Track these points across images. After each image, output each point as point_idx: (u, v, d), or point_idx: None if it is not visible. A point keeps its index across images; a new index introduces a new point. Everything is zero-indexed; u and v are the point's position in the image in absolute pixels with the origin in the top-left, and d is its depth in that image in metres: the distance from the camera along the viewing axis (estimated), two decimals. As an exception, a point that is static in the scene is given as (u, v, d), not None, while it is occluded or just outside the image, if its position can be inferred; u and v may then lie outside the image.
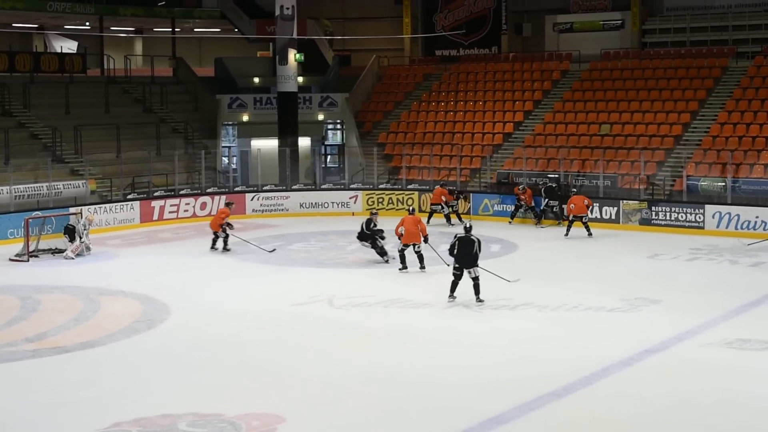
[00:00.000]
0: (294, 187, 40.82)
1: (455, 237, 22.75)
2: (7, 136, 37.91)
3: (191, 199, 38.50)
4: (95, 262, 29.50)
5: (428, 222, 34.30)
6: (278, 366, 17.94)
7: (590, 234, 33.10)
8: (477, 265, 22.62)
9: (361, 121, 47.42)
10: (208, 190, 39.74)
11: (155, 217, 37.26)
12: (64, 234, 30.59)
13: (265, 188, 40.51)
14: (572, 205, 33.35)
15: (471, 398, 15.93)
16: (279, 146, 43.10)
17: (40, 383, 17.26)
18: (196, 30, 55.36)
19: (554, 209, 36.41)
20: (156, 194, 38.29)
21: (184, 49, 52.77)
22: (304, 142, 45.53)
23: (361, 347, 19.36)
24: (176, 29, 51.79)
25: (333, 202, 39.63)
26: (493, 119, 44.50)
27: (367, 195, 40.10)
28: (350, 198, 40.11)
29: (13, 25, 51.12)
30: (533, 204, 36.64)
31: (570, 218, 33.68)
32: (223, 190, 40.42)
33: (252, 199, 39.65)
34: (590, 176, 37.59)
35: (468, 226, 23.30)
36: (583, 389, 16.43)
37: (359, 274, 27.37)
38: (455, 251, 22.57)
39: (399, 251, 27.49)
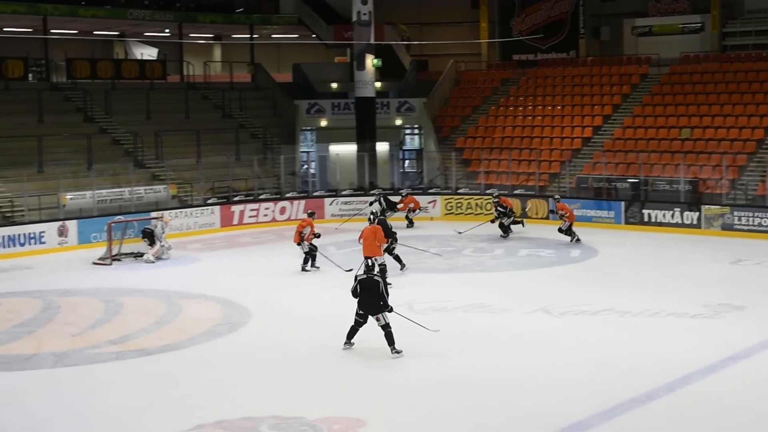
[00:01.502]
0: (373, 191, 40.87)
1: (356, 279, 19.26)
2: (90, 141, 38.50)
3: (271, 204, 38.76)
4: (176, 266, 29.81)
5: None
6: (359, 370, 17.97)
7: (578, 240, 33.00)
8: (386, 310, 18.88)
9: (439, 126, 47.35)
10: (288, 195, 40.01)
11: (235, 221, 37.58)
12: (143, 238, 30.98)
13: (343, 193, 40.63)
14: (567, 213, 33.18)
15: (552, 404, 15.83)
16: (357, 151, 43.19)
17: (123, 385, 17.48)
18: (274, 36, 55.67)
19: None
20: (236, 199, 38.64)
21: (262, 55, 53.09)
22: (382, 147, 45.57)
23: (441, 352, 19.30)
24: (254, 35, 52.13)
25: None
26: (572, 123, 44.19)
27: (445, 200, 40.04)
28: (429, 203, 40.03)
29: (95, 32, 51.83)
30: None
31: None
32: (303, 194, 40.64)
33: (331, 204, 39.82)
34: (671, 181, 37.13)
35: (371, 264, 22.11)
36: (665, 396, 16.23)
37: (439, 278, 27.32)
38: (357, 294, 19.12)
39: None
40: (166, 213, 33.56)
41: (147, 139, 40.51)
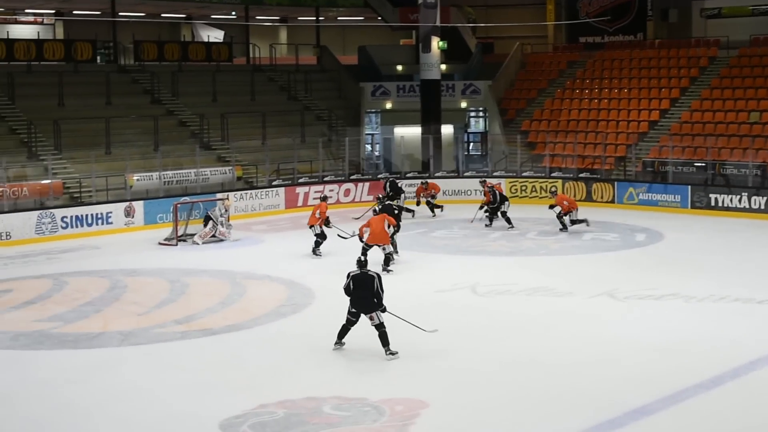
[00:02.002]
0: (437, 174, 40.81)
1: (348, 275, 18.00)
2: (156, 123, 38.86)
3: (335, 186, 38.88)
4: (241, 247, 30.02)
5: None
6: (422, 351, 17.96)
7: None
8: (380, 309, 17.71)
9: (504, 109, 47.16)
10: (352, 177, 40.11)
11: (300, 203, 37.74)
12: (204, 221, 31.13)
13: (408, 175, 40.64)
14: (565, 201, 32.16)
15: (615, 388, 15.75)
16: (422, 134, 43.14)
17: (188, 364, 17.67)
18: (339, 18, 55.81)
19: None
20: (300, 181, 38.80)
21: (327, 37, 53.24)
22: (446, 130, 45.48)
23: (504, 335, 19.30)
24: (320, 18, 52.28)
25: (476, 190, 39.45)
26: (638, 107, 43.77)
27: (510, 182, 39.87)
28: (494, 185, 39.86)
29: (162, 15, 52.28)
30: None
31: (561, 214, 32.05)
32: (367, 177, 40.70)
33: (395, 187, 39.83)
34: (738, 165, 36.65)
35: (364, 258, 20.15)
36: (731, 382, 16.10)
37: (502, 262, 27.25)
38: (350, 291, 17.97)
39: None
40: (230, 195, 33.83)
41: (213, 121, 40.79)
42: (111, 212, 32.46)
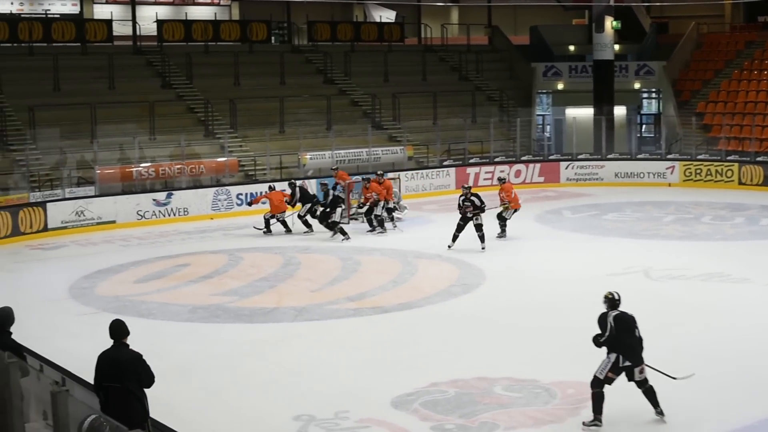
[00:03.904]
0: (609, 156, 40.22)
1: (608, 317, 13.49)
2: (329, 103, 39.35)
3: (506, 167, 38.65)
4: (412, 226, 30.18)
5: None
6: (592, 334, 17.76)
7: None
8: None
9: (679, 90, 46.12)
10: (523, 158, 39.88)
11: (470, 183, 37.59)
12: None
13: (579, 157, 40.19)
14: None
15: (796, 377, 15.31)
16: (594, 115, 42.58)
17: (360, 341, 17.90)
18: (512, -2, 55.42)
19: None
20: (471, 161, 38.77)
21: (499, 17, 52.86)
22: (619, 111, 44.78)
23: (678, 320, 18.90)
24: (492, -3, 52.06)
25: (649, 173, 38.79)
26: (821, 88, 42.34)
27: (684, 166, 38.99)
28: (667, 168, 39.09)
29: (335, -5, 52.80)
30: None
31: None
32: (538, 158, 40.43)
33: (566, 168, 39.44)
34: None
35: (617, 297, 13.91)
36: None
37: (676, 246, 26.66)
38: (609, 335, 13.43)
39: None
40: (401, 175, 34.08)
41: (385, 100, 41.08)
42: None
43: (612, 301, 13.75)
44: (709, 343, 17.28)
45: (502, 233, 27.59)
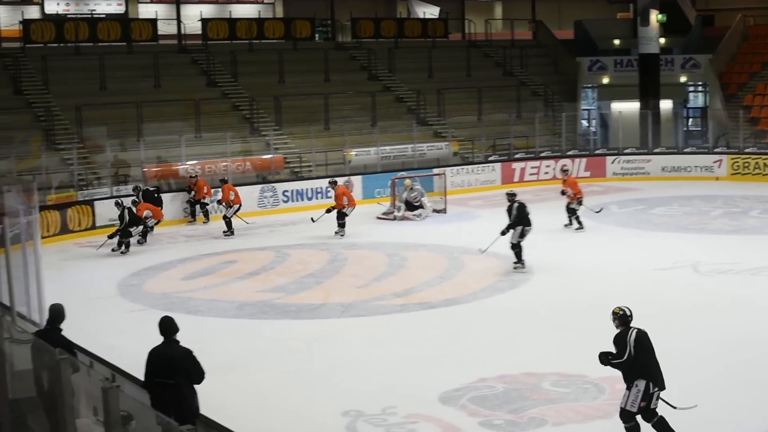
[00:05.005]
0: (656, 150, 39.93)
1: (629, 337, 12.22)
2: (374, 99, 39.38)
3: (551, 162, 38.52)
4: (458, 222, 30.15)
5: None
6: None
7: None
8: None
9: (726, 83, 45.67)
10: (569, 153, 39.70)
11: (516, 178, 37.59)
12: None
13: (625, 151, 39.93)
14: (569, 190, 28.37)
15: None
16: (640, 109, 42.30)
17: (407, 337, 17.88)
18: (555, -8, 55.23)
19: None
20: (516, 156, 38.66)
21: (543, 12, 52.68)
22: (665, 105, 44.44)
23: (726, 315, 18.74)
24: (536, -8, 51.86)
25: (696, 166, 38.46)
26: None
27: (731, 159, 38.61)
28: (714, 162, 38.75)
29: (380, -9, 52.83)
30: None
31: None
32: (584, 153, 40.22)
33: (613, 162, 39.20)
34: None
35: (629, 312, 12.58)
36: None
37: (725, 240, 26.43)
38: (627, 358, 12.17)
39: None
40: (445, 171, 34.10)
41: (429, 96, 41.06)
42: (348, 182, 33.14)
43: (623, 318, 12.47)
44: (756, 338, 17.06)
45: (580, 226, 27.75)
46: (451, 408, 13.96)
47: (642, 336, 12.25)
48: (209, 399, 11.61)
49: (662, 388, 12.19)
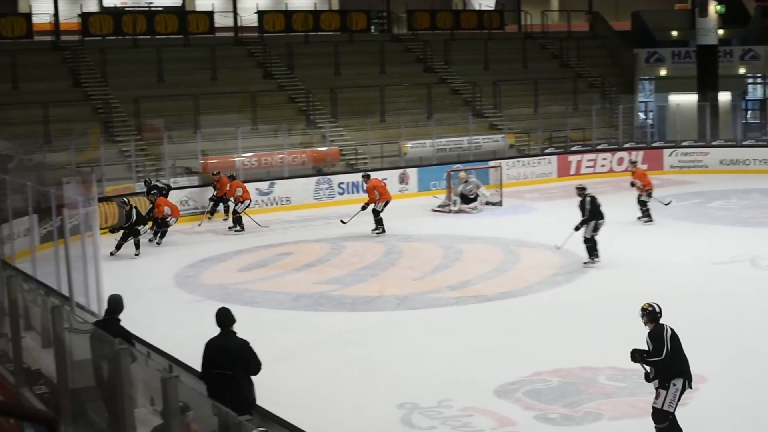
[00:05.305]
0: (714, 143, 39.54)
1: (665, 333, 11.98)
2: (429, 91, 39.36)
3: (608, 155, 38.29)
4: (513, 215, 30.07)
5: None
6: (696, 324, 17.44)
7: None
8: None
9: (786, 75, 45.23)
10: (625, 146, 39.40)
11: (572, 171, 37.39)
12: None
13: (683, 144, 39.57)
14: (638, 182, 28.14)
15: None
16: (698, 101, 41.91)
17: (462, 329, 17.85)
18: (613, -17, 54.83)
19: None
20: (573, 149, 38.45)
21: (600, 3, 52.30)
22: (723, 97, 44.01)
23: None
24: (593, -17, 51.52)
25: (755, 159, 38.03)
26: None
27: (792, 152, 38.21)
28: (774, 154, 38.35)
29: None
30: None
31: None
32: (641, 145, 39.91)
33: (670, 155, 38.86)
34: None
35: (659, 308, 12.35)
36: None
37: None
38: (665, 356, 11.88)
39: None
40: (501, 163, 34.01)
41: (485, 88, 40.95)
42: (386, 179, 33.05)
43: (652, 314, 12.15)
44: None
45: (649, 218, 27.65)
46: (507, 401, 13.93)
47: (675, 333, 12.00)
48: (265, 390, 11.66)
49: (690, 383, 11.98)
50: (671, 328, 12.02)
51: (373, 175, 29.32)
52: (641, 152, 38.45)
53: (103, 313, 12.88)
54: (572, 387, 14.35)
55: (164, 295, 21.05)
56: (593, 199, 22.66)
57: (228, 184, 29.39)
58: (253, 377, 11.08)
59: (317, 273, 22.73)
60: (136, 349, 10.78)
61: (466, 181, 31.06)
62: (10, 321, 11.75)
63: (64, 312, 10.20)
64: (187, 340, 14.36)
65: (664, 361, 11.78)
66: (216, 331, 11.23)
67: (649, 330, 12.10)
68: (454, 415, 13.48)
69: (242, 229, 28.47)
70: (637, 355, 12.09)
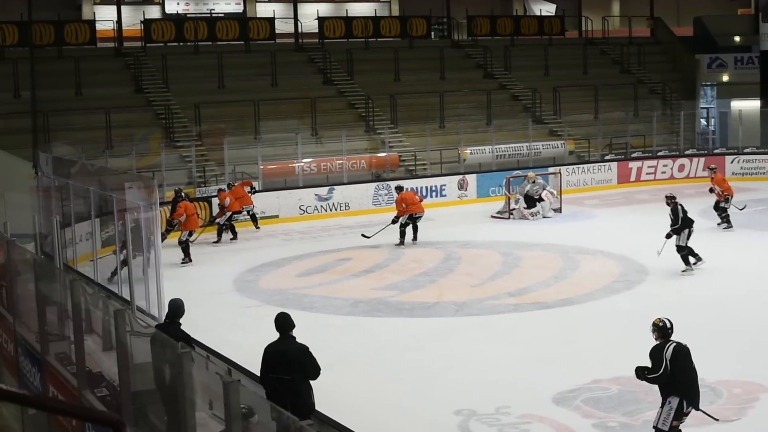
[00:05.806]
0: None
1: (665, 351, 11.74)
2: (489, 97, 39.31)
3: (669, 161, 38.01)
4: (573, 221, 29.94)
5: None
6: (762, 333, 17.34)
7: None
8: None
9: None
10: (687, 152, 39.08)
11: (632, 178, 37.17)
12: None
13: (745, 151, 39.15)
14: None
15: None
16: (761, 107, 41.46)
17: (521, 336, 17.84)
18: (674, -11, 54.42)
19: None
20: (633, 155, 38.20)
21: (661, 8, 51.94)
22: (787, 103, 43.54)
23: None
24: (655, -12, 51.17)
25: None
26: None
27: None
28: (837, 162, 37.85)
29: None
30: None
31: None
32: (702, 152, 39.56)
33: (732, 162, 38.44)
34: None
35: (669, 325, 12.14)
36: None
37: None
38: (663, 373, 11.69)
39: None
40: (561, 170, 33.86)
41: (545, 95, 40.83)
42: (445, 185, 33.17)
43: (663, 330, 11.91)
44: None
45: (728, 224, 27.37)
46: (565, 409, 13.89)
47: (680, 350, 11.71)
48: (323, 395, 11.72)
49: (696, 407, 11.71)
50: (681, 346, 11.76)
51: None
52: (702, 158, 38.13)
53: (163, 317, 13.01)
54: (631, 395, 14.26)
55: (224, 300, 21.21)
56: (682, 206, 22.45)
57: (225, 197, 28.18)
58: (312, 382, 11.15)
59: (375, 279, 22.80)
60: (196, 353, 10.90)
61: (533, 182, 30.97)
62: (73, 324, 11.90)
63: (126, 314, 10.32)
64: (245, 344, 14.50)
65: (662, 378, 11.61)
66: (275, 335, 11.31)
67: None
68: (511, 422, 13.46)
69: (219, 241, 28.07)
70: (639, 373, 12.02)
